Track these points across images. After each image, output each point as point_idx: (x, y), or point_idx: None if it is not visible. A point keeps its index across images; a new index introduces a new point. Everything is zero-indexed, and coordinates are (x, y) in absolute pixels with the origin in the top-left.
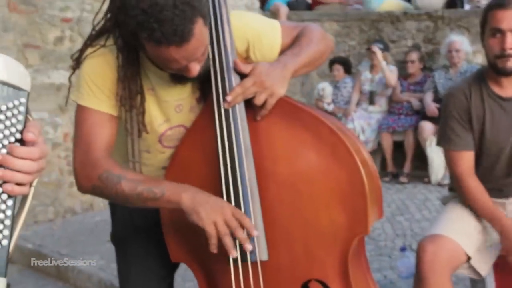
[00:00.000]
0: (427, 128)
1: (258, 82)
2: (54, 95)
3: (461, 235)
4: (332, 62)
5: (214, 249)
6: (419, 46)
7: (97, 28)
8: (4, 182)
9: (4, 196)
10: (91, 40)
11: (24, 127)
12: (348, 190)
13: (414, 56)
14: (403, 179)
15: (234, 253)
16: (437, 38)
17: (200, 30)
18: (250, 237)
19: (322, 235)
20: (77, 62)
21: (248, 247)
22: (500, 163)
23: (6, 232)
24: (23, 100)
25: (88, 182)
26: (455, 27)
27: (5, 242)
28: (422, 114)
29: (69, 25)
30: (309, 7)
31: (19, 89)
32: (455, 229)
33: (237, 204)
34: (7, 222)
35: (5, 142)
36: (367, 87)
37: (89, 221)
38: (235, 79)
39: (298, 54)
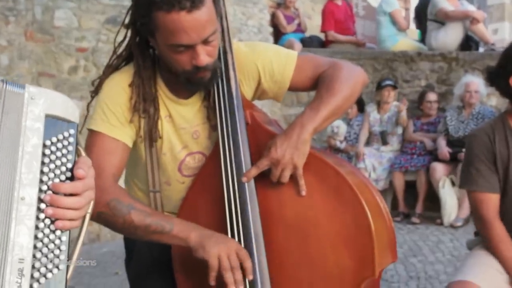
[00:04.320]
0: (439, 169)
1: (275, 162)
2: None
3: (489, 283)
4: None
5: (212, 281)
6: (433, 86)
7: (118, 52)
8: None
9: (58, 232)
10: (112, 67)
11: (76, 156)
12: (354, 232)
13: (433, 96)
14: (415, 219)
15: None
16: (451, 79)
17: (211, 5)
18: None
19: (329, 279)
20: (96, 88)
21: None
22: None
23: (63, 257)
24: (72, 131)
25: (95, 208)
26: (469, 69)
27: (62, 266)
28: (434, 155)
29: (84, 55)
30: (323, 45)
31: (68, 121)
32: (483, 277)
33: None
34: (63, 256)
35: (57, 180)
36: (377, 128)
37: (96, 253)
38: (240, 124)
39: (318, 108)
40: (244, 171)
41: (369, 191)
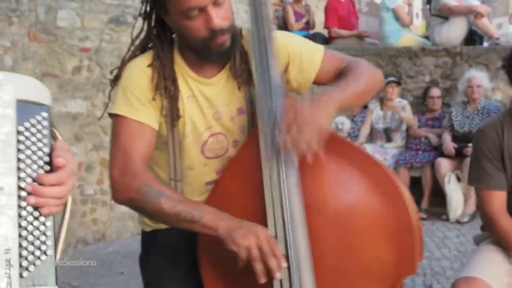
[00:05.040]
0: (444, 165)
1: (300, 122)
2: (70, 124)
3: (496, 279)
4: None
5: (241, 264)
6: (437, 82)
7: (136, 43)
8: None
9: (43, 218)
10: (130, 56)
11: (51, 141)
12: (395, 226)
13: (437, 92)
14: (421, 215)
15: (263, 279)
16: (455, 74)
17: None
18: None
19: (369, 273)
20: (116, 77)
21: (278, 276)
22: None
23: (50, 243)
24: (45, 114)
25: (126, 193)
26: (474, 63)
27: (50, 252)
28: (439, 151)
29: (88, 55)
30: (326, 41)
31: (39, 104)
32: (489, 272)
33: (285, 239)
34: (49, 242)
35: (35, 166)
36: (380, 125)
37: (101, 252)
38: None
39: (344, 89)
40: (288, 161)
41: (403, 187)
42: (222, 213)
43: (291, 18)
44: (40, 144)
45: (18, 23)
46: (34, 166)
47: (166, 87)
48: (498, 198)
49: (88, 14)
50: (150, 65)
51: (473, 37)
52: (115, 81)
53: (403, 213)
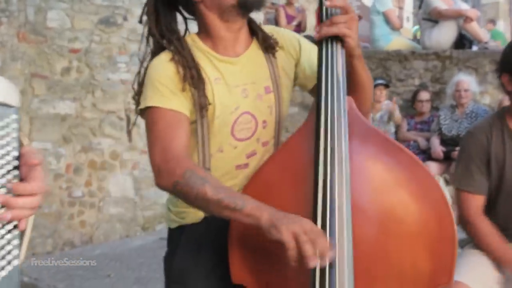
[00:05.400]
0: (433, 168)
1: (350, 21)
2: (59, 125)
3: (479, 283)
4: None
5: (293, 261)
6: (427, 85)
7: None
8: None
9: (9, 226)
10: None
11: (19, 145)
12: (438, 236)
13: (426, 95)
14: None
15: (315, 263)
16: (444, 77)
17: None
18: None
19: (403, 279)
20: (140, 85)
21: (326, 260)
22: None
23: (16, 252)
24: (14, 116)
25: (171, 179)
26: (463, 67)
27: (15, 262)
28: (428, 154)
29: (77, 56)
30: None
31: (9, 106)
32: (472, 277)
33: (331, 235)
34: (15, 251)
35: (3, 170)
36: None
37: (88, 255)
38: (344, 111)
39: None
40: (342, 159)
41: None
42: (265, 205)
43: (283, 21)
44: (9, 148)
45: (7, 23)
46: (3, 171)
47: (192, 76)
48: (476, 201)
49: (78, 14)
50: (171, 60)
51: (462, 41)
52: (139, 97)
53: (448, 223)
